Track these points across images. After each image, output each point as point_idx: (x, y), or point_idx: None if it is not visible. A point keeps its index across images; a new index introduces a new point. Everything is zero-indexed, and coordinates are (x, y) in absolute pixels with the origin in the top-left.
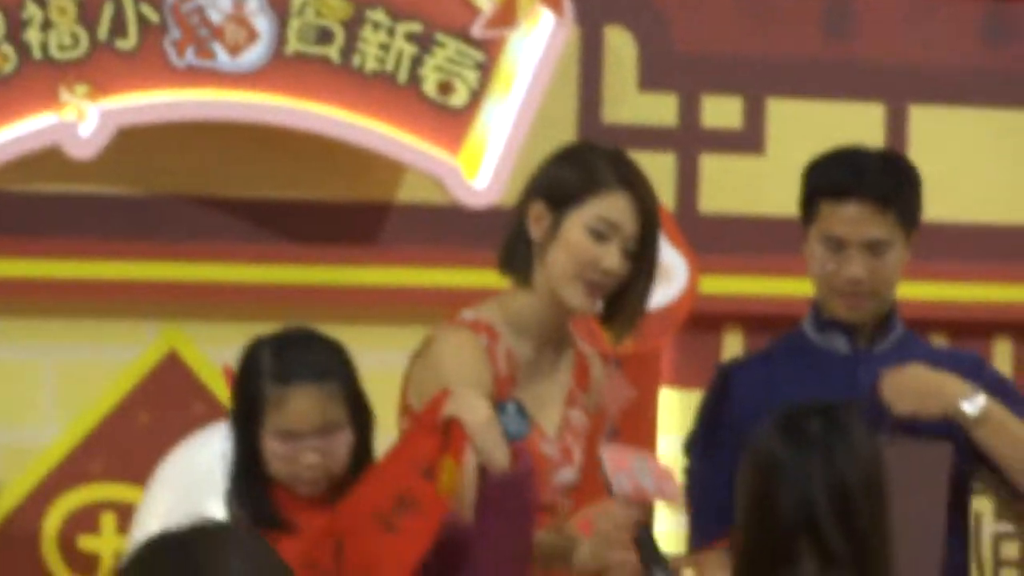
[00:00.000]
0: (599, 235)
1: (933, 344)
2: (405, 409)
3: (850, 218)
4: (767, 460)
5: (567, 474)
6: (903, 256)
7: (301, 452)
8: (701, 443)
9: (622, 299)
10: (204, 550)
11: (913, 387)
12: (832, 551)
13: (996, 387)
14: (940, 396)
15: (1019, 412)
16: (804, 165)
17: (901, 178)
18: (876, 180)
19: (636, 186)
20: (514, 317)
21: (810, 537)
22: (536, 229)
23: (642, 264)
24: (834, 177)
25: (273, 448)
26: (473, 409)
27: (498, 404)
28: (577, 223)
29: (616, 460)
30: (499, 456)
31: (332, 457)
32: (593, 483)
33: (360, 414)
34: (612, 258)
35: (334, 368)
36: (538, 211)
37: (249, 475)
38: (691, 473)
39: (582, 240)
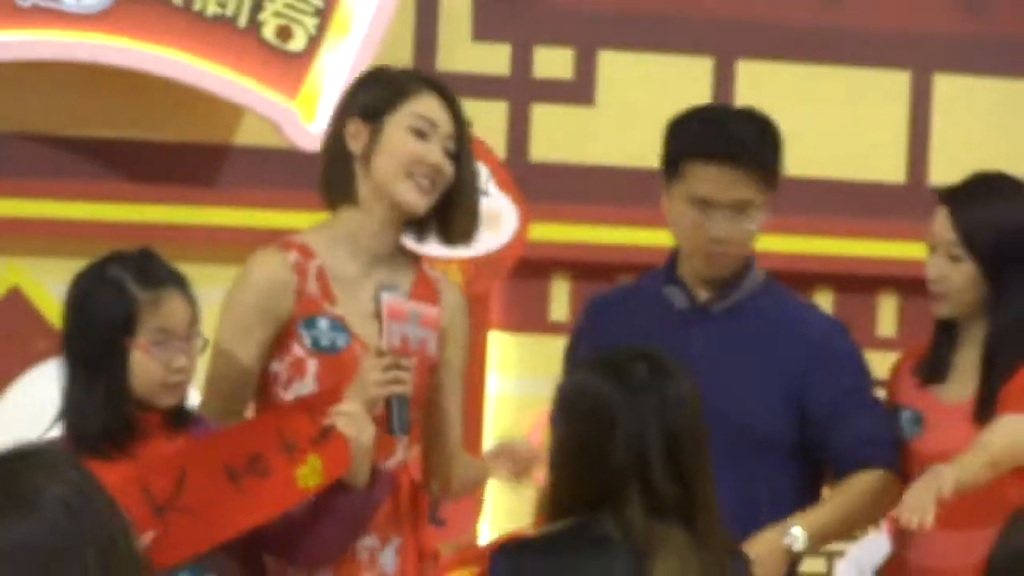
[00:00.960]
0: (420, 133)
1: (796, 298)
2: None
3: (717, 179)
4: (598, 402)
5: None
6: (765, 215)
7: (174, 355)
8: (568, 368)
9: (454, 202)
10: (24, 472)
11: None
12: (661, 495)
13: (843, 360)
14: (774, 558)
15: (858, 387)
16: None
17: (767, 140)
18: (744, 143)
19: (443, 88)
20: (340, 235)
21: (640, 481)
22: (356, 144)
23: (464, 164)
24: (702, 138)
25: (143, 354)
26: (363, 431)
27: (306, 319)
28: (397, 127)
29: (394, 309)
30: (362, 478)
31: (193, 364)
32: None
33: None
34: (435, 153)
35: (184, 277)
36: (354, 128)
37: (109, 388)
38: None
39: (405, 138)
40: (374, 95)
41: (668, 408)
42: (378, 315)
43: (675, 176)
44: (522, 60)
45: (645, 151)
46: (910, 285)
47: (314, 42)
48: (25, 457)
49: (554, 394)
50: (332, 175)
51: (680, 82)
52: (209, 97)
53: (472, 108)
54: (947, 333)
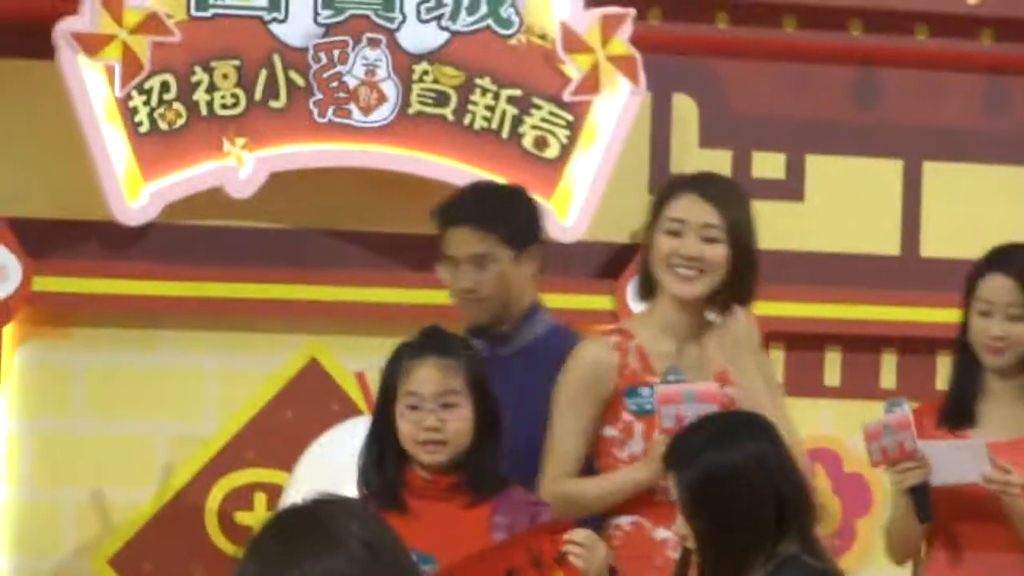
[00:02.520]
0: (673, 233)
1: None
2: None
3: (460, 239)
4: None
5: None
6: (514, 268)
7: (424, 416)
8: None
9: (738, 271)
10: (327, 514)
11: None
12: None
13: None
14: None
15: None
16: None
17: (510, 202)
18: (483, 206)
19: (700, 184)
20: (654, 321)
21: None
22: (648, 256)
23: (736, 241)
24: (448, 208)
25: (401, 415)
26: (592, 557)
27: (628, 389)
28: (658, 231)
29: (664, 395)
30: None
31: (448, 425)
32: None
33: (481, 396)
34: (690, 247)
35: (456, 349)
36: (646, 240)
37: (384, 449)
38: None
39: (661, 240)
40: (651, 206)
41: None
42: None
43: (441, 242)
44: (742, 164)
45: (847, 238)
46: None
47: (566, 150)
48: (330, 502)
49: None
50: (643, 275)
51: (875, 180)
52: None
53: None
54: (971, 386)
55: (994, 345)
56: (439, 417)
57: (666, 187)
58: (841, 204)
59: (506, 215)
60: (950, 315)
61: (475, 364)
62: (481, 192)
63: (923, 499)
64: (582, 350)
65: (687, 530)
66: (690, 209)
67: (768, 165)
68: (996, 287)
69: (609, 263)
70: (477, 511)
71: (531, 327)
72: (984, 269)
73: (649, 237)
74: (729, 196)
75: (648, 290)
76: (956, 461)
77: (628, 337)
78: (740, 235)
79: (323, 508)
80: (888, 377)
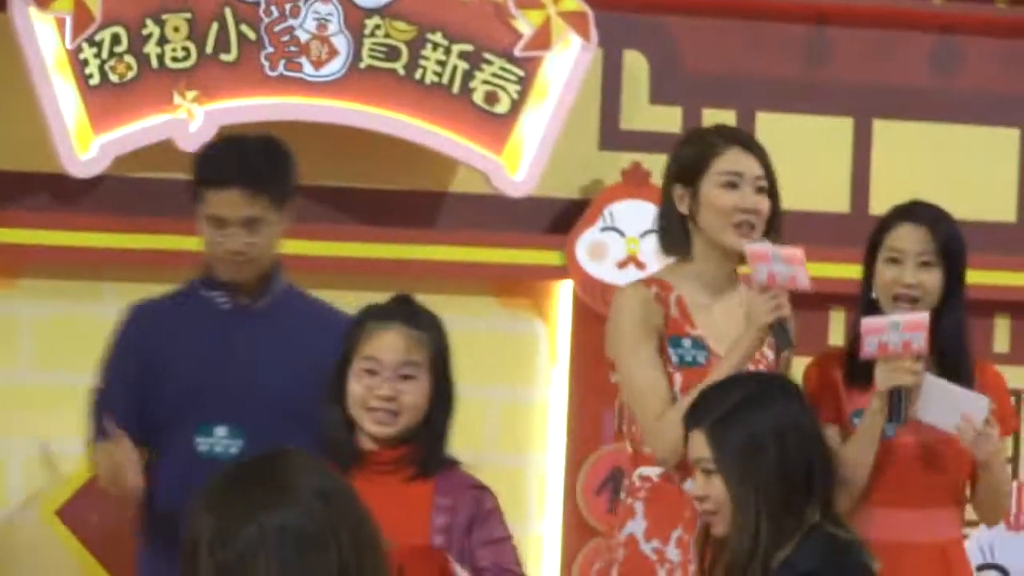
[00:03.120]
0: (731, 185)
1: (318, 300)
2: (610, 363)
3: (230, 201)
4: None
5: None
6: (279, 227)
7: (379, 383)
8: (112, 364)
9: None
10: (283, 466)
11: None
12: None
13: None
14: None
15: None
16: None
17: (277, 163)
18: (253, 168)
19: (741, 139)
20: (690, 273)
21: None
22: (683, 206)
23: (772, 189)
24: (212, 166)
25: (356, 377)
26: None
27: (672, 337)
28: (710, 185)
29: (755, 253)
30: None
31: (403, 397)
32: None
33: (440, 374)
34: (748, 199)
35: (424, 322)
36: (679, 192)
37: (337, 411)
38: (101, 387)
39: (719, 194)
40: (688, 157)
41: None
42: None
43: (199, 201)
44: (692, 120)
45: (797, 196)
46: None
47: (516, 106)
48: (286, 454)
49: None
50: (668, 233)
51: (825, 138)
52: (428, 152)
53: (650, 161)
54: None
55: (908, 293)
56: (395, 387)
57: (706, 142)
58: (791, 162)
59: (275, 175)
60: None
61: (441, 341)
62: (245, 150)
63: (902, 402)
64: (625, 294)
65: (706, 491)
66: (741, 162)
67: (718, 122)
68: (906, 235)
69: (559, 218)
70: (418, 488)
71: (278, 282)
72: (892, 221)
73: (683, 193)
74: (765, 150)
75: (680, 246)
76: (951, 405)
77: (667, 288)
78: (774, 183)
79: (279, 460)
80: (836, 334)
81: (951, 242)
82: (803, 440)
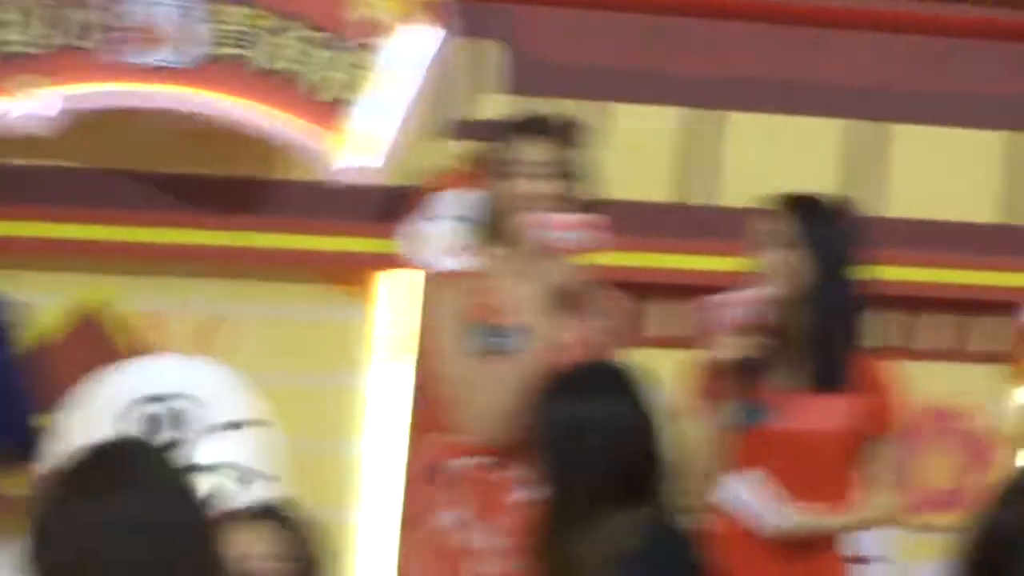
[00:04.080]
0: (518, 174)
1: None
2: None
3: None
4: None
5: None
6: None
7: None
8: None
9: None
10: (129, 456)
11: None
12: None
13: None
14: None
15: None
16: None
17: None
18: None
19: (534, 126)
20: (504, 264)
21: None
22: (496, 196)
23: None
24: None
25: None
26: None
27: (481, 324)
28: (505, 175)
29: (535, 223)
30: None
31: None
32: None
33: None
34: (534, 184)
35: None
36: (492, 182)
37: None
38: None
39: (512, 184)
40: (491, 152)
41: None
42: None
43: None
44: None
45: (625, 187)
46: None
47: (356, 92)
48: (129, 444)
49: None
50: (487, 221)
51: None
52: (259, 138)
53: (485, 150)
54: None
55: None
56: None
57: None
58: (639, 155)
59: None
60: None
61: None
62: None
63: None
64: (445, 283)
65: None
66: (525, 150)
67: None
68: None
69: (394, 206)
70: None
71: None
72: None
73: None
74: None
75: (495, 234)
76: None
77: (484, 277)
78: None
79: (122, 450)
80: None
81: (820, 229)
82: (623, 436)
